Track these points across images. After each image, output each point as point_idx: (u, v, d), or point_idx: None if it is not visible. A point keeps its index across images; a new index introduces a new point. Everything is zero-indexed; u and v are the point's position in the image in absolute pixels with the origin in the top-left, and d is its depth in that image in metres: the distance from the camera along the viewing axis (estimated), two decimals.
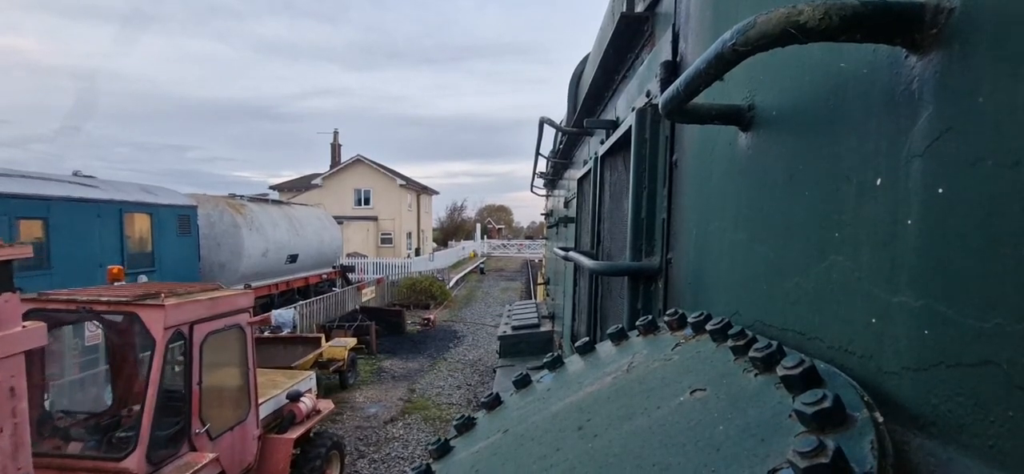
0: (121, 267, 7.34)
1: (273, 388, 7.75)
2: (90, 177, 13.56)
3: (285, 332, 14.59)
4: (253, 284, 17.42)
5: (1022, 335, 0.57)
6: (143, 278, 13.07)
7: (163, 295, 5.47)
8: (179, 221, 15.07)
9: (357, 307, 20.95)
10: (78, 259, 11.38)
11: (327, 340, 14.26)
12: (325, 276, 23.77)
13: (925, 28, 0.69)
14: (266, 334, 13.56)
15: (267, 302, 18.59)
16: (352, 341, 14.20)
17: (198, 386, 5.63)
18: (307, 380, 8.70)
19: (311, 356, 12.05)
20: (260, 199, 21.10)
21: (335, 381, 13.44)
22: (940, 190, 0.68)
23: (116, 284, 6.83)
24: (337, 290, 22.19)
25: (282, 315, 15.49)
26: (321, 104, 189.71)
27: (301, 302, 17.83)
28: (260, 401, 6.86)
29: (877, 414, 0.71)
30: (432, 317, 22.11)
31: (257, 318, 6.96)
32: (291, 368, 10.27)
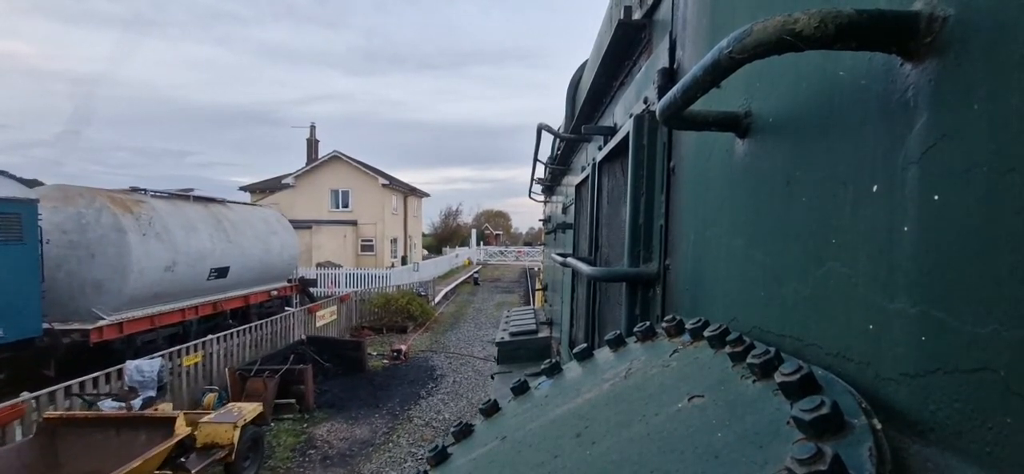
0: None
1: None
2: None
3: (144, 397, 9.31)
4: (156, 309, 13.27)
5: (1018, 341, 0.57)
6: None
7: None
8: (0, 222, 10.73)
9: (302, 337, 15.64)
10: None
11: (239, 395, 10.07)
12: (275, 293, 18.93)
13: (920, 36, 0.70)
14: (105, 410, 8.44)
15: (178, 332, 13.99)
16: (251, 409, 8.77)
17: None
18: None
19: (154, 454, 6.78)
20: (180, 195, 15.91)
21: None
22: (936, 196, 0.68)
23: None
24: (291, 309, 17.43)
25: (142, 368, 9.80)
26: (322, 109, 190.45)
27: (213, 336, 12.35)
28: None
29: (875, 421, 0.71)
30: (404, 347, 17.41)
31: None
32: None
